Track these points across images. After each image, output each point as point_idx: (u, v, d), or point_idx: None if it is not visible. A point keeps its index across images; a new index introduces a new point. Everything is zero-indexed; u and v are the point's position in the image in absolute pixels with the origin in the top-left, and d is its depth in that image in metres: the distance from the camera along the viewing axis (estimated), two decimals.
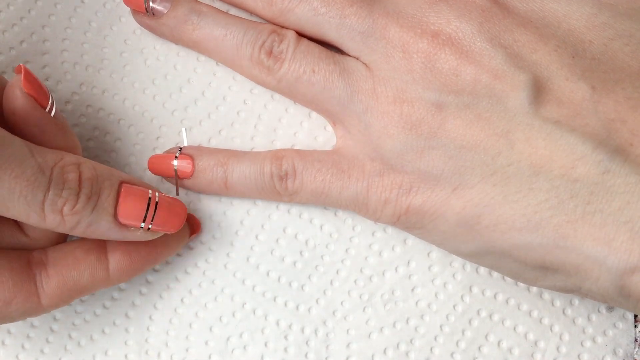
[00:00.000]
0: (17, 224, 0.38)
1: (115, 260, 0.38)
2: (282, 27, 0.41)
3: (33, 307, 0.37)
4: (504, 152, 0.36)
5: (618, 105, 0.35)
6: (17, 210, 0.34)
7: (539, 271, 0.37)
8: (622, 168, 0.34)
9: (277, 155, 0.41)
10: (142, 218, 0.37)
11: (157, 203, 0.38)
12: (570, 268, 0.36)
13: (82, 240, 0.39)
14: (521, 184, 0.36)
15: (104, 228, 0.36)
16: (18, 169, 0.34)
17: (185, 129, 0.43)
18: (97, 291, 0.41)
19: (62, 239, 0.40)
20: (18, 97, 0.37)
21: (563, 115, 0.35)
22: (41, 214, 0.35)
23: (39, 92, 0.37)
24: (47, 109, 0.38)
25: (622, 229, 0.34)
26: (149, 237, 0.38)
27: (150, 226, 0.38)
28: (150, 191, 0.38)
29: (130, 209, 0.37)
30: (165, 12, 0.41)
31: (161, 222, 0.38)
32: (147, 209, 0.37)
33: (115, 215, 0.37)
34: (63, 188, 0.35)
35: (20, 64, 0.37)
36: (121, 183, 0.37)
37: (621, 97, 0.36)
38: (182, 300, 0.42)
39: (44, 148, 0.36)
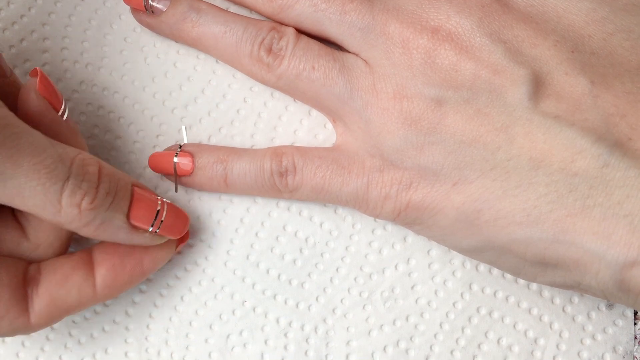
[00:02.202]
0: (20, 228, 0.38)
1: (101, 276, 0.38)
2: (282, 23, 0.41)
3: (22, 326, 0.37)
4: (503, 147, 0.36)
5: (617, 99, 0.35)
6: (33, 200, 0.34)
7: (538, 267, 0.37)
8: (621, 162, 0.34)
9: (277, 152, 0.41)
10: (152, 221, 0.38)
11: (165, 208, 0.39)
12: (570, 262, 0.36)
13: (70, 255, 0.38)
14: (521, 178, 0.36)
15: (115, 228, 0.37)
16: (38, 157, 0.34)
17: (185, 127, 0.43)
18: (86, 309, 0.41)
19: (63, 247, 0.39)
20: (33, 99, 0.37)
21: (562, 110, 0.35)
22: (57, 205, 0.35)
23: (52, 96, 0.38)
24: (60, 113, 0.38)
25: (622, 222, 0.34)
26: (155, 241, 0.38)
27: (157, 230, 0.38)
28: (158, 197, 0.39)
29: (143, 210, 0.37)
30: (165, 9, 0.41)
31: (168, 227, 0.39)
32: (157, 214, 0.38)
33: (128, 215, 0.37)
34: (83, 180, 0.35)
35: (37, 67, 0.38)
36: (133, 185, 0.38)
37: (620, 91, 0.36)
38: (181, 298, 0.42)
39: (62, 143, 0.36)
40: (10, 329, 0.36)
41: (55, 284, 0.37)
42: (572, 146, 0.35)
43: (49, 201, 0.34)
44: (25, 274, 0.37)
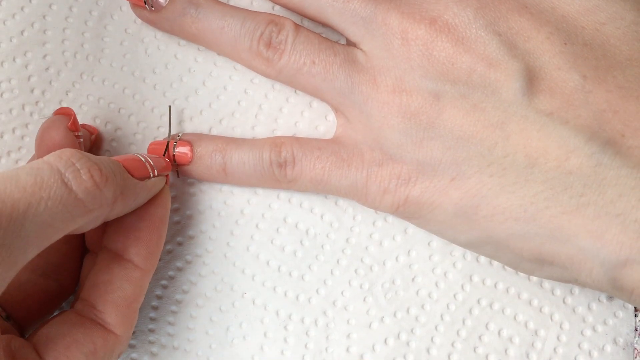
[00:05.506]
0: None
1: (111, 315, 0.37)
2: (286, 7, 0.41)
3: None
4: (499, 144, 0.36)
5: (609, 94, 0.35)
6: None
7: (535, 263, 0.37)
8: (614, 161, 0.34)
9: (276, 142, 0.41)
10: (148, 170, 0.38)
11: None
12: (565, 260, 0.36)
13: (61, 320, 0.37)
14: (517, 175, 0.36)
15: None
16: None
17: (170, 106, 0.43)
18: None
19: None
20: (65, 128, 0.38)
21: (556, 107, 0.35)
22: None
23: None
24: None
25: (614, 221, 0.34)
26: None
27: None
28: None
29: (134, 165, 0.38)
30: (165, 4, 0.41)
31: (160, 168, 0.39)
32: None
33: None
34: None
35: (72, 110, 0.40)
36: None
37: (612, 86, 0.35)
38: (182, 289, 0.43)
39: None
40: None
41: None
42: (565, 145, 0.35)
43: None
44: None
